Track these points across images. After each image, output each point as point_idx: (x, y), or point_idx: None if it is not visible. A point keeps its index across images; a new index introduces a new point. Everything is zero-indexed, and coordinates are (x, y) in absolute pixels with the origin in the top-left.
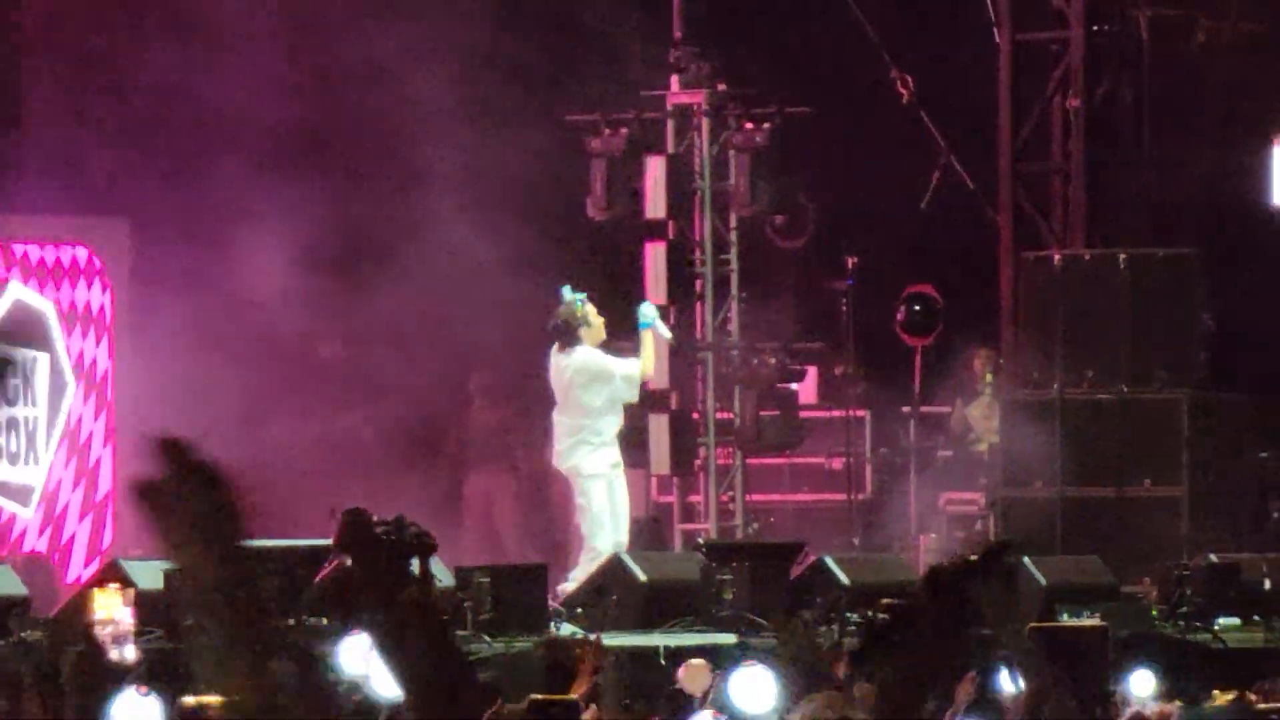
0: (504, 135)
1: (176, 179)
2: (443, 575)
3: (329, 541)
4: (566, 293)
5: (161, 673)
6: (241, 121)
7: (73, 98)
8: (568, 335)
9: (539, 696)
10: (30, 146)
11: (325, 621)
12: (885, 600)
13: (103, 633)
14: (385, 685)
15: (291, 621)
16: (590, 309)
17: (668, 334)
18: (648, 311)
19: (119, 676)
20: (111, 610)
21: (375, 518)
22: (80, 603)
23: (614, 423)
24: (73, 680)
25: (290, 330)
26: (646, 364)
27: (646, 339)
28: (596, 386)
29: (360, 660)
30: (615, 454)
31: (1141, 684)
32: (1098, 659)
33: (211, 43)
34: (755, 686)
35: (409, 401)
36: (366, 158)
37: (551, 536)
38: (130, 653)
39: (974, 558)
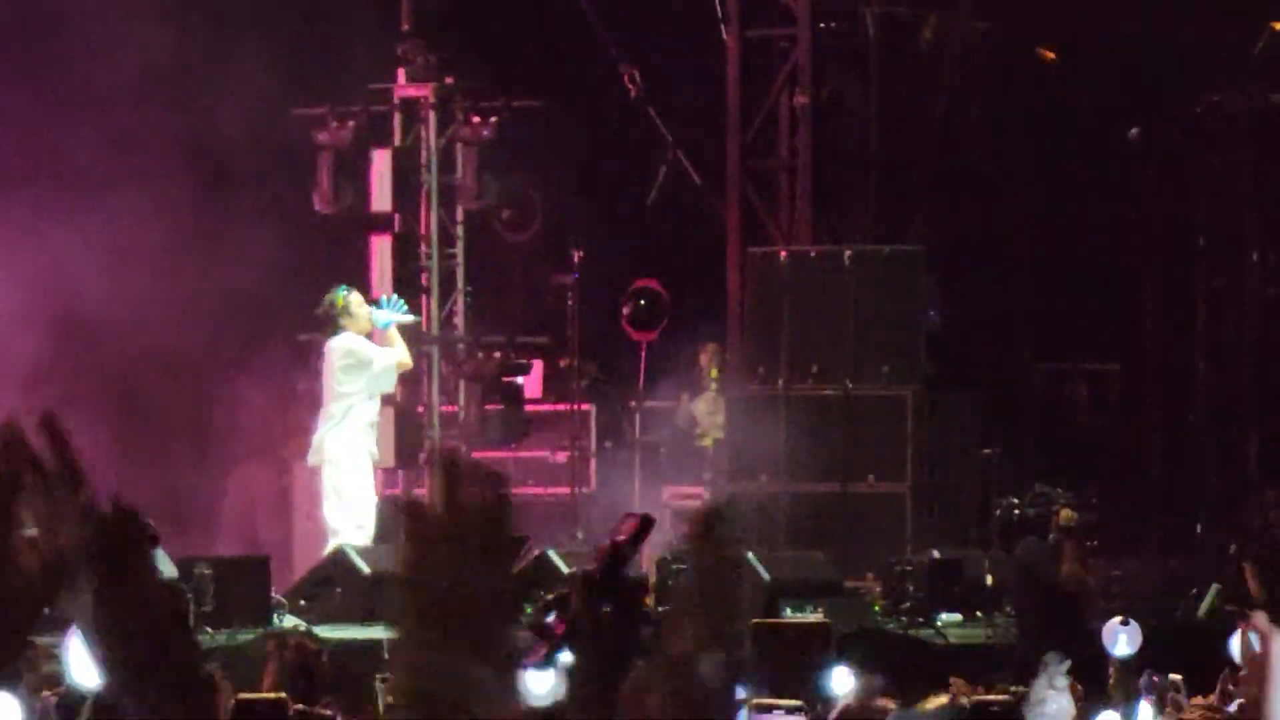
0: (232, 123)
1: None
2: (166, 567)
3: None
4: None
5: None
6: None
7: None
8: (328, 324)
9: (246, 696)
10: None
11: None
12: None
13: None
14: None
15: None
16: (354, 298)
17: (410, 317)
18: (379, 316)
19: None
20: None
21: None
22: None
23: (369, 411)
24: None
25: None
26: (404, 356)
27: (393, 335)
28: (355, 371)
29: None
30: (368, 442)
31: (840, 680)
32: (819, 654)
33: None
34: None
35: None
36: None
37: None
38: None
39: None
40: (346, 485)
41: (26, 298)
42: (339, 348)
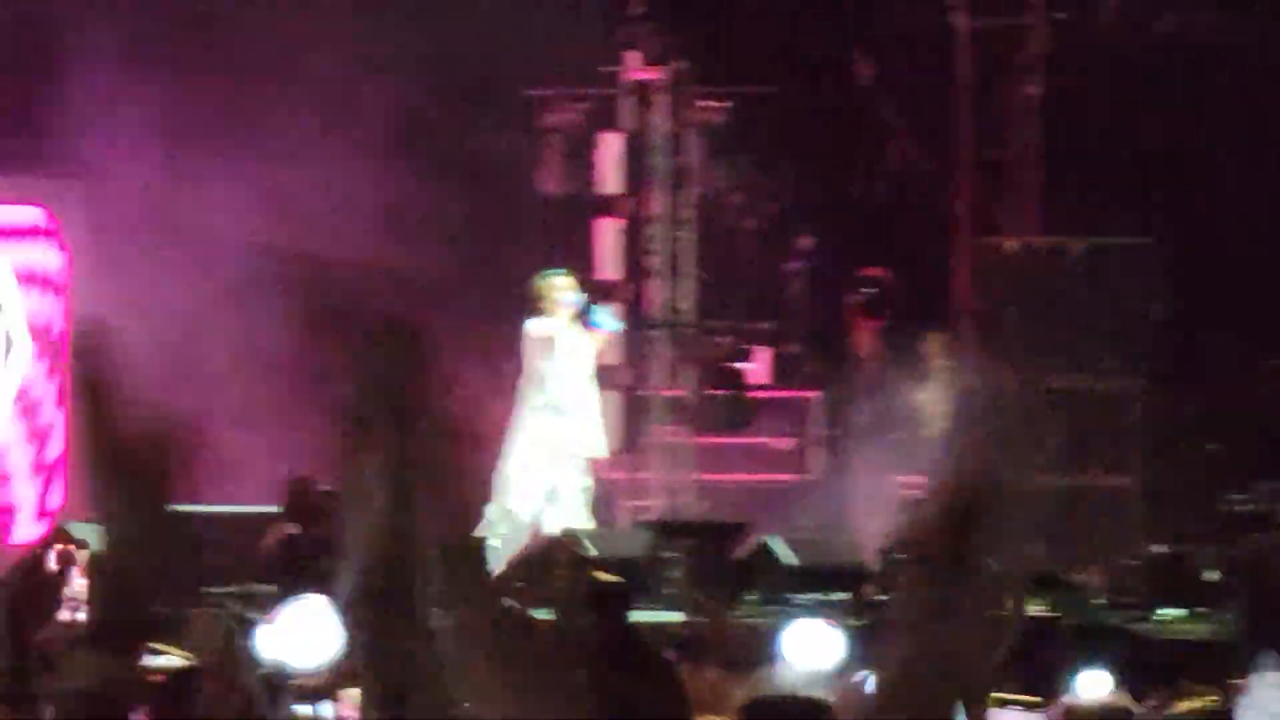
0: (459, 105)
1: (137, 138)
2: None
3: (274, 508)
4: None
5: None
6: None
7: (31, 55)
8: (531, 307)
9: None
10: None
11: (275, 589)
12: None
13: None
14: (314, 655)
15: (235, 588)
16: (555, 283)
17: (618, 325)
18: (600, 317)
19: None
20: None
21: (323, 487)
22: (30, 564)
23: (538, 397)
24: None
25: (252, 294)
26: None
27: (599, 337)
28: (529, 357)
29: (279, 643)
30: (536, 427)
31: (1091, 682)
32: (1048, 647)
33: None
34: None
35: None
36: (314, 130)
37: None
38: (81, 616)
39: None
40: (502, 468)
41: (249, 276)
42: (528, 332)
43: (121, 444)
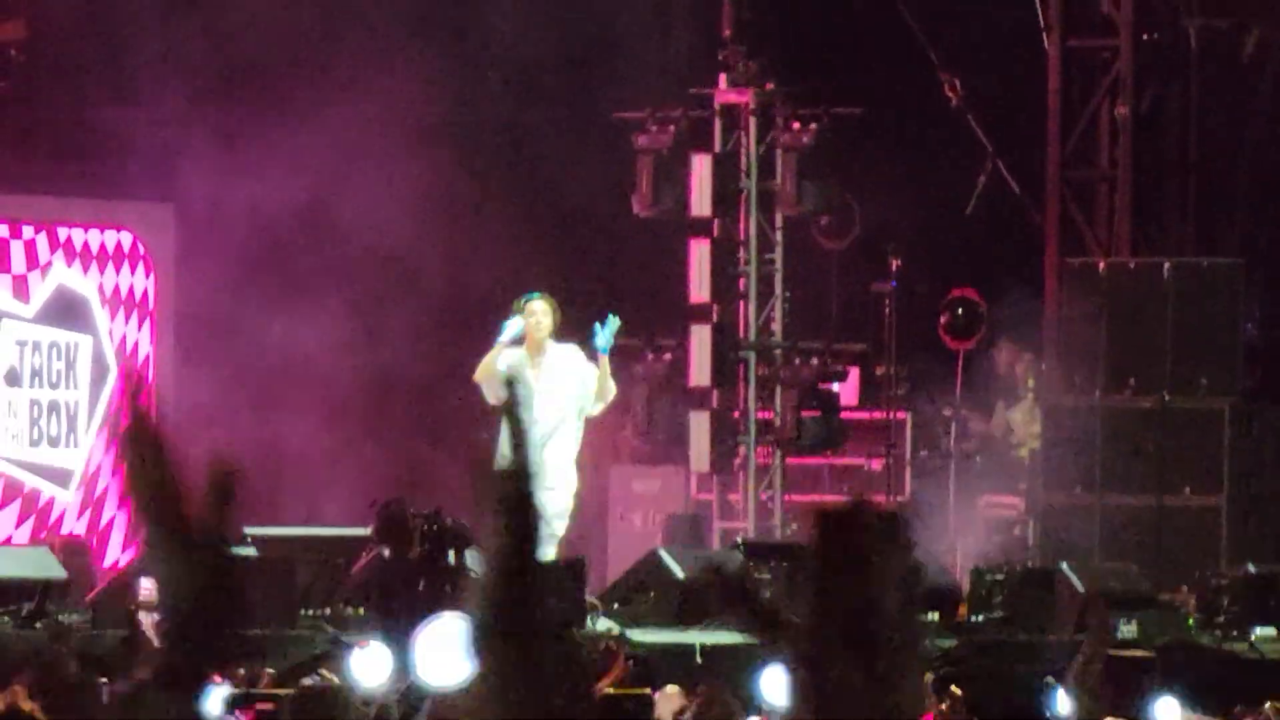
0: (551, 128)
1: (224, 163)
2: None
3: (364, 531)
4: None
5: None
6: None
7: (122, 82)
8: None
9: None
10: (82, 131)
11: (360, 612)
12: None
13: (146, 618)
14: (433, 676)
15: (327, 610)
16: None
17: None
18: (599, 340)
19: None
20: (154, 595)
21: (412, 510)
22: (122, 587)
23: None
24: (115, 663)
25: (332, 321)
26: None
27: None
28: None
29: (373, 671)
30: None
31: (1167, 711)
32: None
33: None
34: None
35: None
36: (402, 154)
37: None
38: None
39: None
40: None
41: (337, 298)
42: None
43: (171, 489)
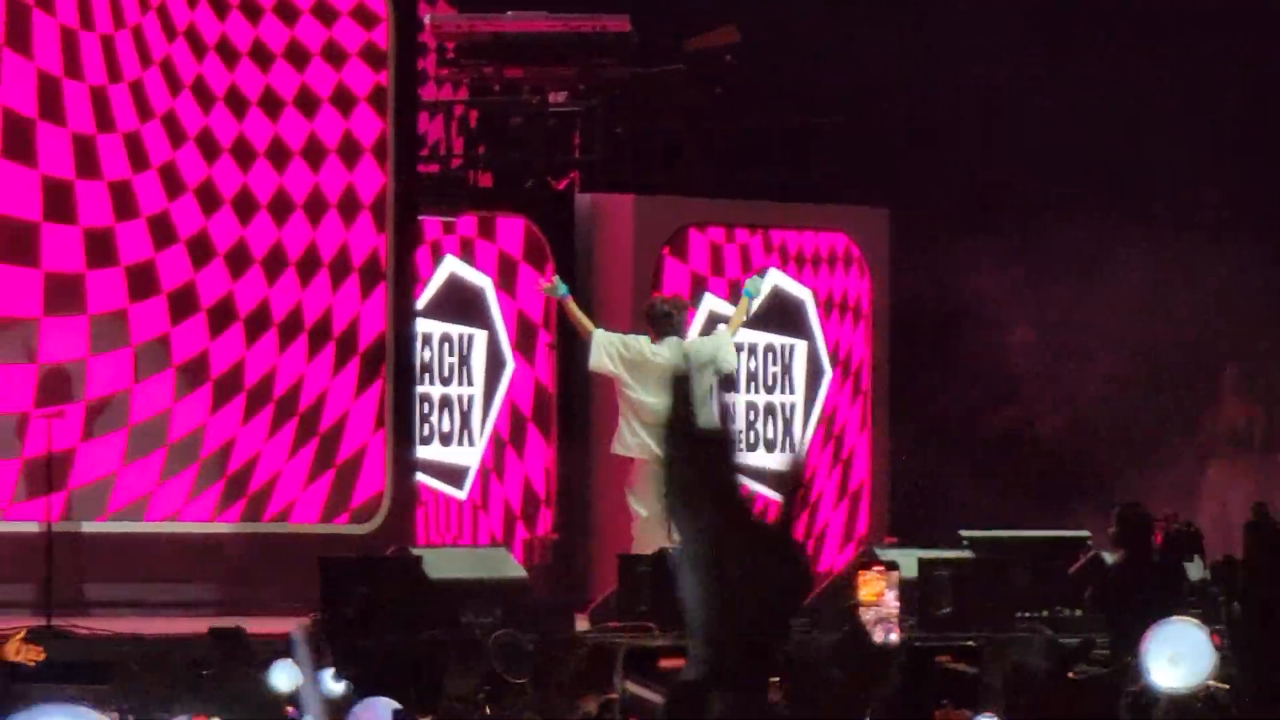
0: None
1: (942, 171)
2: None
3: (1080, 533)
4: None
5: None
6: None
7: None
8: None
9: None
10: (791, 137)
11: (1077, 613)
12: None
13: (867, 615)
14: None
15: (1045, 613)
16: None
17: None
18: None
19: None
20: (876, 593)
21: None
22: (843, 586)
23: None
24: (838, 662)
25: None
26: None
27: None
28: None
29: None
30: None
31: None
32: None
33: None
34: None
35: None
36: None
37: None
38: (894, 636)
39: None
40: None
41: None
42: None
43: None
